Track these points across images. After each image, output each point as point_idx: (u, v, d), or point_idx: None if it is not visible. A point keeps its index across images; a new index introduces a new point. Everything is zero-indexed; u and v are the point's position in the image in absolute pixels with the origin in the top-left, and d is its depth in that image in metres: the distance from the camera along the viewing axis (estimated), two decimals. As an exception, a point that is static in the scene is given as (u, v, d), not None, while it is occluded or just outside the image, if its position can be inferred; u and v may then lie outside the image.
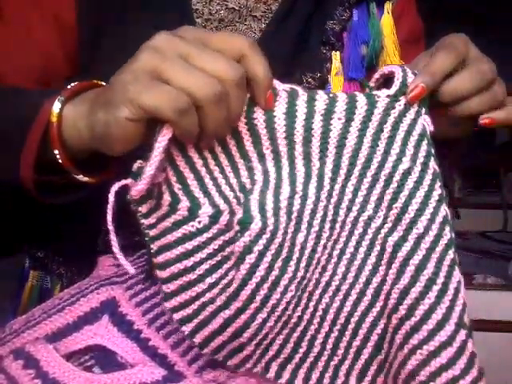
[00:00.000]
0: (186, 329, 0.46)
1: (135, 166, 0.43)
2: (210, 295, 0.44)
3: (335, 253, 0.47)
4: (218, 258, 0.44)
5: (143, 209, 0.44)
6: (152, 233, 0.45)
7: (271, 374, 0.48)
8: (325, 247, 0.46)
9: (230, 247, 0.44)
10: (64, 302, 0.55)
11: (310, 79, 0.66)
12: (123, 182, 0.42)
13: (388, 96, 0.46)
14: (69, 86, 0.46)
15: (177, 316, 0.46)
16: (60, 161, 0.46)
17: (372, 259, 0.46)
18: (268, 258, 0.42)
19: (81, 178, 0.47)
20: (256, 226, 0.41)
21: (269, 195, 0.43)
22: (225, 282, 0.44)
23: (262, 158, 0.45)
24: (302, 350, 0.48)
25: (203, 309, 0.45)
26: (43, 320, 0.54)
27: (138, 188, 0.41)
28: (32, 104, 0.46)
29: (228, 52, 0.42)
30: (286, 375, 0.48)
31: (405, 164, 0.45)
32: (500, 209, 2.54)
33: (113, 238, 0.44)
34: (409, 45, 0.74)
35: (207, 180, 0.44)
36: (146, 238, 0.45)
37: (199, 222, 0.44)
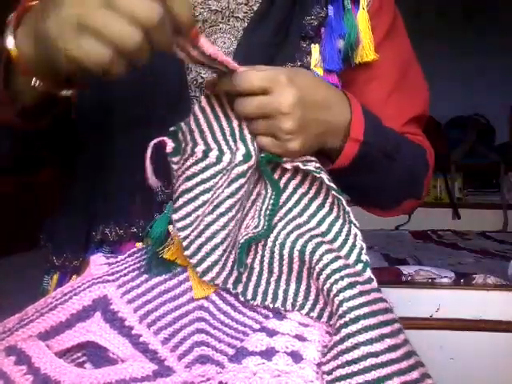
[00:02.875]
0: (182, 234, 0.56)
1: (171, 128, 0.56)
2: (202, 209, 0.56)
3: None
4: (211, 183, 0.56)
5: (175, 159, 0.57)
6: (178, 172, 0.57)
7: (230, 284, 0.58)
8: None
9: (219, 176, 0.56)
10: (57, 300, 0.56)
11: None
12: (161, 138, 0.55)
13: None
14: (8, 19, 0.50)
15: (178, 224, 0.56)
16: (38, 82, 0.51)
17: None
18: (247, 184, 0.57)
19: (64, 92, 0.53)
20: (251, 161, 0.56)
21: (255, 144, 0.57)
22: (212, 198, 0.56)
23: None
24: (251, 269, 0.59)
25: (196, 220, 0.56)
26: (36, 318, 0.55)
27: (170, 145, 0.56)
28: None
29: None
30: (240, 288, 0.58)
31: None
32: (500, 209, 2.54)
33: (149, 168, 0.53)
34: (390, 40, 0.76)
35: (204, 126, 0.57)
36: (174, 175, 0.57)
37: (196, 156, 0.56)
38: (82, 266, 0.67)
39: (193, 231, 0.56)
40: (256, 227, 0.59)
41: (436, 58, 2.88)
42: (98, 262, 0.58)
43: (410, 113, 0.79)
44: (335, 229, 0.59)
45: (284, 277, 0.58)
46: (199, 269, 0.55)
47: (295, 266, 0.57)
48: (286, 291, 0.58)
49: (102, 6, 0.43)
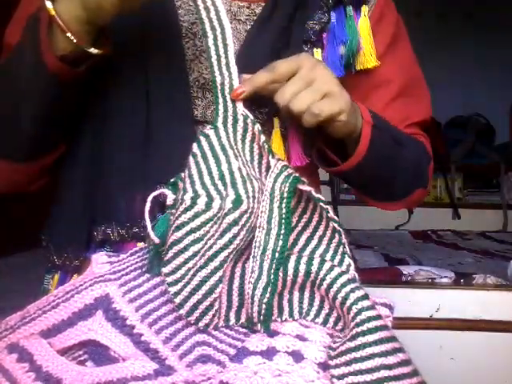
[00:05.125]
0: (172, 290, 0.54)
1: (172, 180, 0.58)
2: (193, 261, 0.54)
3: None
4: (201, 232, 0.54)
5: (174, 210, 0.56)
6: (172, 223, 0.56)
7: (232, 320, 0.57)
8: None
9: (209, 224, 0.54)
10: (59, 298, 0.56)
11: None
12: (160, 190, 0.57)
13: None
14: None
15: (169, 279, 0.54)
16: (72, 38, 0.58)
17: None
18: (243, 231, 0.55)
19: (92, 50, 0.60)
20: (243, 207, 0.54)
21: (249, 186, 0.56)
22: (204, 249, 0.54)
23: (236, 157, 0.58)
24: (246, 296, 0.56)
25: (187, 273, 0.54)
26: (38, 316, 0.55)
27: (170, 198, 0.58)
28: (33, 17, 0.61)
29: None
30: (243, 317, 0.57)
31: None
32: (500, 209, 2.54)
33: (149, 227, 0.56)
34: (393, 47, 0.76)
35: (194, 172, 0.57)
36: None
37: (185, 204, 0.55)
38: (82, 266, 0.67)
39: (185, 286, 0.54)
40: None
41: (436, 57, 2.89)
42: (99, 261, 0.58)
43: (413, 119, 0.80)
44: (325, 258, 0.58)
45: (287, 290, 0.57)
46: (200, 324, 0.55)
47: (299, 280, 0.56)
48: (290, 301, 0.57)
49: None
